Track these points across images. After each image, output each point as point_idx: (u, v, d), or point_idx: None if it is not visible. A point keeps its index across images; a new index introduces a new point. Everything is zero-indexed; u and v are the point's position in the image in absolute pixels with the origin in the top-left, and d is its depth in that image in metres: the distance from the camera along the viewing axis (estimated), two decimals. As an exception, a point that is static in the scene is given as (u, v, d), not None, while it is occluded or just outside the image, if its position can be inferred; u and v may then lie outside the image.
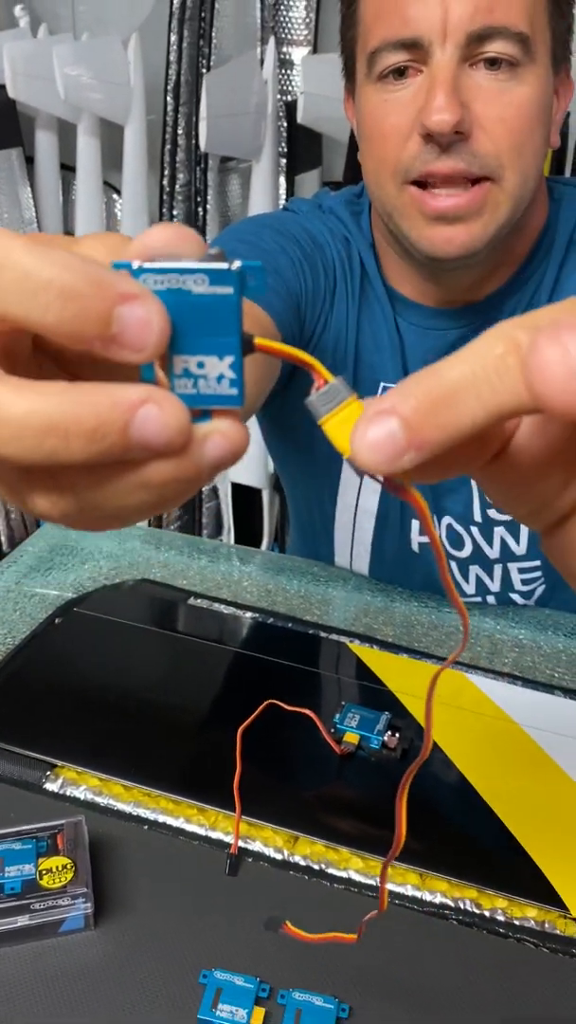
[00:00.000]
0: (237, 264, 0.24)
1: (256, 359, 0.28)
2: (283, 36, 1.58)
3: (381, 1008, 0.48)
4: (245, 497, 1.73)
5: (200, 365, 0.24)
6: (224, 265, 0.23)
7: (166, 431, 0.23)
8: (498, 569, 0.80)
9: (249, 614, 0.77)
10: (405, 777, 0.30)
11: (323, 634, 0.75)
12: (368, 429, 0.23)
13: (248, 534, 1.77)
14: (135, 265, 0.23)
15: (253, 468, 1.68)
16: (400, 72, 0.64)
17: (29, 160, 1.77)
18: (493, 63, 0.62)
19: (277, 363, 0.66)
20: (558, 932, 0.52)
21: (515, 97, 0.63)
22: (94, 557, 0.86)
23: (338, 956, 0.50)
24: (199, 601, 0.79)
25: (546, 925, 0.52)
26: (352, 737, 0.62)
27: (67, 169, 1.81)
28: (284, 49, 1.58)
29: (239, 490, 1.73)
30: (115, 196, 1.83)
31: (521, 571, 0.79)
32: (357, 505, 0.80)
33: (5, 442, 0.22)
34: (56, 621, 0.74)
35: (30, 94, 1.62)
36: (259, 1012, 0.47)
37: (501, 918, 0.53)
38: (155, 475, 0.24)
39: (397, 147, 0.64)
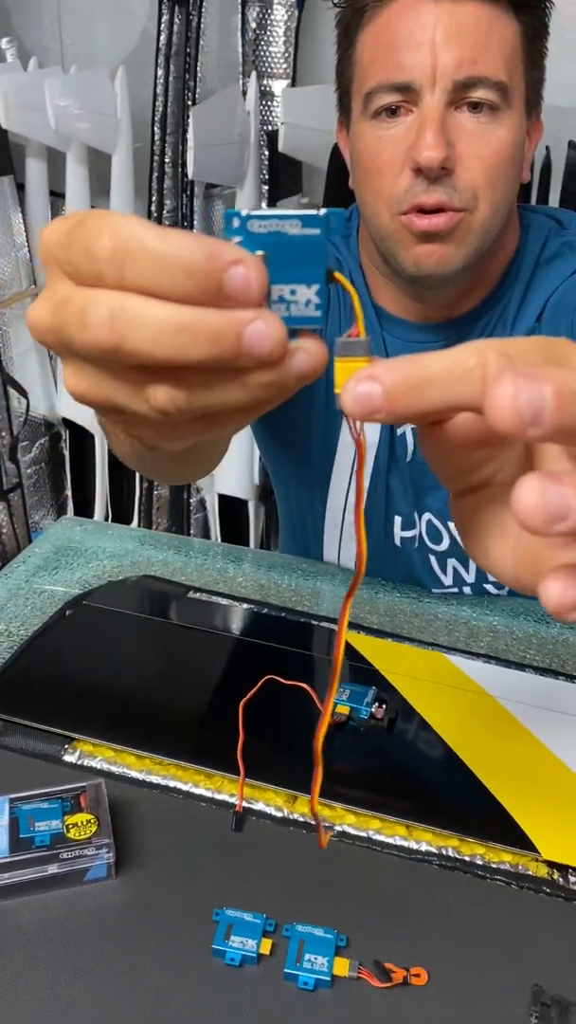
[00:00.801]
0: (323, 211, 0.30)
1: None
2: (263, 70, 1.66)
3: (374, 939, 0.54)
4: (231, 508, 1.79)
5: (292, 292, 0.31)
6: (314, 211, 0.30)
7: (269, 341, 0.29)
8: (473, 561, 0.86)
9: (245, 605, 0.83)
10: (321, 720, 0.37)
11: (314, 622, 0.81)
12: (358, 384, 0.29)
13: (235, 543, 1.83)
14: (244, 213, 0.30)
15: (239, 480, 1.74)
16: (393, 111, 0.72)
17: (20, 187, 1.84)
18: (475, 107, 0.70)
19: None
20: (530, 873, 0.58)
21: (493, 139, 0.71)
22: (98, 557, 0.92)
23: (336, 896, 0.56)
24: (198, 594, 0.85)
25: (520, 867, 0.59)
26: (343, 709, 0.68)
27: (56, 195, 1.87)
28: (264, 82, 1.66)
29: (225, 501, 1.80)
30: (102, 221, 1.90)
31: (495, 561, 0.86)
32: (346, 503, 0.87)
33: (146, 339, 0.28)
34: (67, 613, 0.80)
35: (22, 124, 1.69)
36: (267, 942, 0.53)
37: (480, 862, 0.59)
38: (254, 378, 0.30)
39: (391, 181, 0.72)
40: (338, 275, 0.32)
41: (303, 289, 0.31)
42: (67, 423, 1.95)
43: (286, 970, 0.51)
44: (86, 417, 1.91)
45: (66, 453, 2.00)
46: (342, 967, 0.52)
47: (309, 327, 0.31)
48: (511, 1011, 0.50)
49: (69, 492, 2.02)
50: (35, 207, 1.87)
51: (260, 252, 0.30)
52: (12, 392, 1.85)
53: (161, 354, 0.28)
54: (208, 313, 0.28)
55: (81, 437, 1.96)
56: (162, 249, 0.27)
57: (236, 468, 1.74)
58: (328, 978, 0.51)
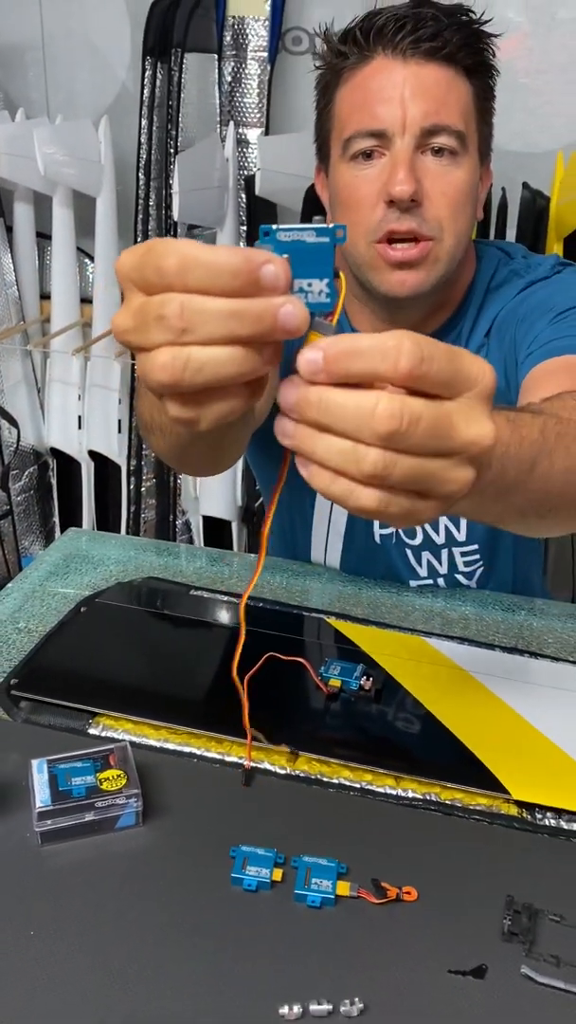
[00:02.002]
0: (332, 225, 0.40)
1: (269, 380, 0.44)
2: (239, 119, 1.78)
3: (370, 867, 0.62)
4: (215, 529, 1.88)
5: (309, 284, 0.40)
6: (325, 225, 0.40)
7: (296, 319, 0.38)
8: (444, 553, 0.96)
9: (242, 600, 0.92)
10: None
11: (305, 613, 0.90)
12: (308, 352, 0.39)
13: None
14: (274, 227, 0.40)
15: (223, 502, 1.83)
16: (368, 155, 0.84)
17: (8, 229, 1.94)
18: (438, 151, 0.83)
19: (277, 379, 0.83)
20: (502, 812, 0.67)
21: (454, 178, 0.84)
22: (104, 563, 1.00)
23: (336, 836, 0.65)
24: (199, 592, 0.94)
25: (493, 808, 0.68)
26: (335, 682, 0.77)
27: (43, 237, 1.98)
28: (240, 130, 1.78)
29: (210, 523, 1.89)
30: (87, 261, 2.01)
31: (463, 555, 0.96)
32: (332, 504, 0.97)
33: (208, 323, 0.37)
34: (81, 609, 0.89)
35: (11, 171, 1.79)
36: (278, 871, 0.61)
37: (459, 805, 0.68)
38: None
39: (367, 212, 0.84)
40: (341, 274, 0.42)
41: (317, 282, 0.41)
42: (55, 452, 2.04)
43: (296, 891, 0.60)
44: (73, 447, 2.00)
45: (53, 482, 2.08)
46: (344, 888, 0.60)
47: (322, 311, 0.41)
48: (488, 917, 0.59)
49: (57, 519, 2.09)
50: (22, 248, 1.97)
51: (285, 255, 0.40)
52: (3, 423, 1.94)
53: (219, 333, 0.38)
54: (253, 301, 0.38)
55: (68, 466, 2.04)
56: (213, 259, 0.37)
57: (220, 491, 1.83)
58: (332, 897, 0.59)
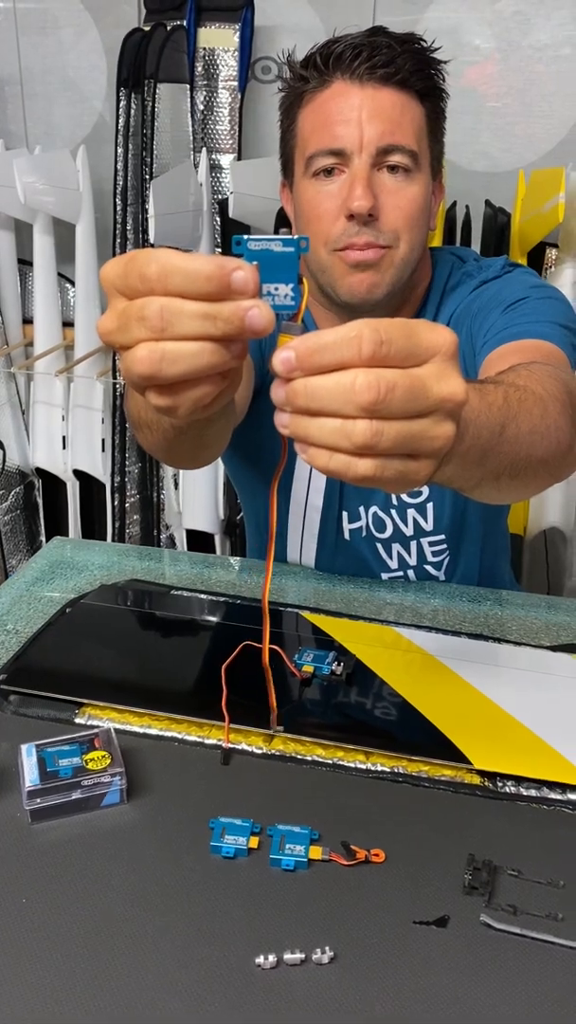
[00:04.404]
0: (297, 236, 0.45)
1: (244, 378, 0.49)
2: (212, 146, 1.84)
3: (341, 833, 0.66)
4: (199, 542, 1.93)
5: (276, 288, 0.45)
6: (290, 236, 0.45)
7: (262, 321, 0.43)
8: (414, 545, 1.01)
9: (222, 599, 0.97)
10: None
11: (281, 608, 0.95)
12: (281, 352, 0.44)
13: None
14: (245, 237, 0.45)
15: (205, 516, 1.88)
16: (328, 171, 0.91)
17: (-10, 257, 2.00)
18: (393, 169, 0.90)
19: (252, 380, 0.89)
20: (465, 781, 0.72)
21: (408, 193, 0.91)
22: (88, 568, 1.05)
23: (309, 807, 0.69)
24: (180, 592, 0.98)
25: (457, 778, 0.72)
26: (309, 667, 0.82)
27: (24, 263, 2.03)
28: (213, 156, 1.85)
29: (193, 535, 1.93)
30: (68, 285, 2.06)
31: (431, 544, 1.01)
32: (307, 502, 1.02)
33: (185, 323, 0.42)
34: (67, 610, 0.93)
35: (-7, 200, 1.85)
36: (254, 839, 0.65)
37: (425, 776, 0.72)
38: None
39: (329, 225, 0.90)
40: (305, 280, 0.47)
41: (283, 287, 0.46)
42: (40, 472, 2.08)
43: (271, 856, 0.64)
44: (58, 466, 2.04)
45: (39, 501, 2.12)
46: (316, 852, 0.64)
47: (287, 312, 0.46)
48: (451, 873, 0.63)
49: (43, 538, 2.13)
50: (5, 274, 2.02)
51: (255, 263, 0.45)
52: (-11, 444, 1.98)
53: (194, 332, 0.42)
54: (224, 305, 0.43)
55: (53, 485, 2.09)
56: (190, 266, 0.42)
57: (202, 505, 1.88)
58: (305, 860, 0.64)
